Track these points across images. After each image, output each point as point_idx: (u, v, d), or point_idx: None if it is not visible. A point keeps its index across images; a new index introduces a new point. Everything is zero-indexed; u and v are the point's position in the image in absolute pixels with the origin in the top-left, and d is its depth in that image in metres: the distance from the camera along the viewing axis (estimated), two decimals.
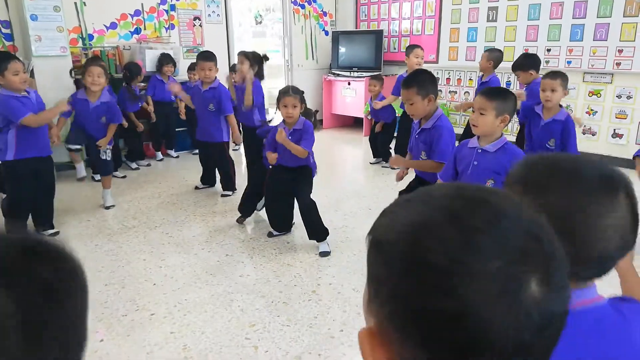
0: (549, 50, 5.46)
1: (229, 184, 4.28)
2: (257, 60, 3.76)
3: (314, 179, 3.21)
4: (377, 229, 0.48)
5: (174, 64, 5.33)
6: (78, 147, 3.84)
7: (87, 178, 4.65)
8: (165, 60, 5.24)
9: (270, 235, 3.35)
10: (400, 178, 2.91)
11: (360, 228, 3.50)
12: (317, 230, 3.10)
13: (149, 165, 5.35)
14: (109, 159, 3.91)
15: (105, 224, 3.63)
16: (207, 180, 4.46)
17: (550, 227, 0.44)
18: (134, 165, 5.21)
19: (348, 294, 2.56)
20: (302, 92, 3.08)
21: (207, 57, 3.99)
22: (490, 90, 2.23)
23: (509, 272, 0.40)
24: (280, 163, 3.12)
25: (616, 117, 5.08)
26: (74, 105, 3.73)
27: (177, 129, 5.63)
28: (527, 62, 4.02)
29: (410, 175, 2.93)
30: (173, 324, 2.30)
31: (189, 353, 2.07)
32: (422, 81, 2.55)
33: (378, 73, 6.10)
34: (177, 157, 5.71)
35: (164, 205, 4.04)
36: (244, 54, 3.76)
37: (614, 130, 5.11)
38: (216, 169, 4.36)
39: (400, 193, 2.78)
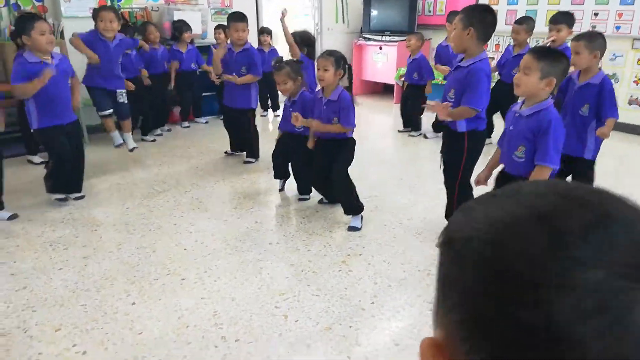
0: (596, 14, 5.13)
1: (252, 152, 4.23)
2: (304, 41, 3.66)
3: None
4: (450, 226, 0.42)
5: (191, 29, 5.21)
6: (109, 111, 3.88)
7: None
8: (185, 27, 5.11)
9: (321, 202, 3.34)
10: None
11: (389, 198, 3.43)
12: (351, 205, 2.99)
13: (169, 130, 5.33)
14: (125, 101, 3.96)
15: (135, 187, 3.66)
16: (238, 146, 4.38)
17: None
18: (157, 131, 5.15)
19: (379, 265, 2.52)
20: (340, 56, 2.86)
21: (240, 17, 3.89)
22: (540, 49, 2.07)
23: (613, 286, 0.32)
24: (317, 136, 3.03)
25: None
26: (93, 43, 3.71)
27: (204, 94, 5.59)
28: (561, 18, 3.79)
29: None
30: (203, 289, 2.31)
31: (219, 319, 2.08)
32: (474, 14, 2.37)
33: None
34: (207, 122, 5.69)
35: (192, 171, 4.04)
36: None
37: None
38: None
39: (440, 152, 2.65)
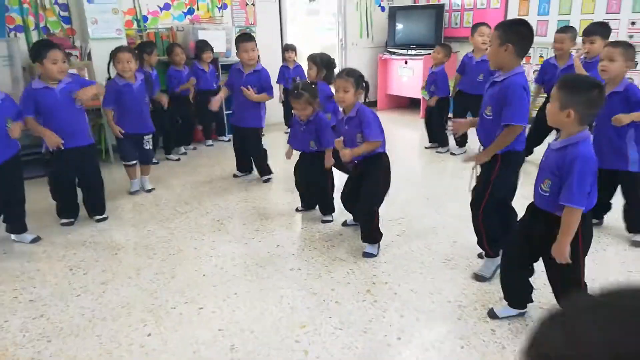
0: (633, 23, 4.90)
1: (264, 170, 4.18)
2: (325, 64, 3.64)
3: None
4: (545, 345, 0.34)
5: (212, 49, 5.20)
6: (134, 162, 3.88)
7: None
8: (205, 47, 5.10)
9: (344, 224, 3.25)
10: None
11: (416, 220, 3.29)
12: (369, 233, 2.85)
13: (194, 149, 5.33)
14: (150, 147, 3.93)
15: (158, 208, 3.63)
16: (244, 167, 4.36)
17: None
18: (182, 149, 5.17)
19: (406, 295, 2.38)
20: (359, 75, 2.77)
21: (248, 37, 3.86)
22: (565, 78, 1.88)
23: None
24: (353, 163, 2.95)
25: None
26: (117, 92, 3.65)
27: (226, 112, 5.59)
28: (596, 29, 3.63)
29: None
30: (221, 320, 2.22)
31: (237, 354, 1.98)
32: (510, 29, 2.23)
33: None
34: (229, 140, 5.66)
35: (215, 191, 3.99)
36: (311, 59, 3.67)
37: None
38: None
39: (475, 188, 2.49)
